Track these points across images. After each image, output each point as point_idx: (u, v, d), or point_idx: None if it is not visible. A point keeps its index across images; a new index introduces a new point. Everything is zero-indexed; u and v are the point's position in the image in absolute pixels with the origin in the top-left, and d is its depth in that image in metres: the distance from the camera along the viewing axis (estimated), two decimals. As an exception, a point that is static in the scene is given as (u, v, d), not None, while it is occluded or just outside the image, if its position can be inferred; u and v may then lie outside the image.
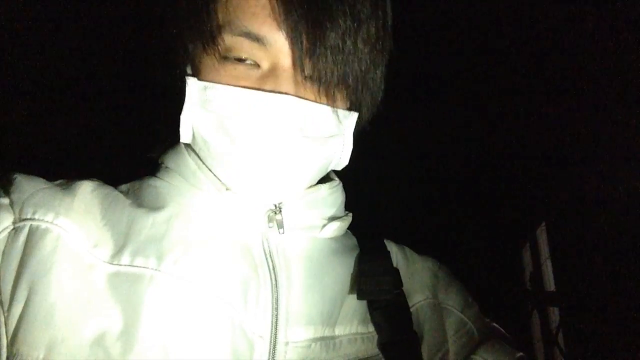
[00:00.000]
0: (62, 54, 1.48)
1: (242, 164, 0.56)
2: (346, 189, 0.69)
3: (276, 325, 0.56)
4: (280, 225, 0.60)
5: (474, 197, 2.97)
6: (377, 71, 0.61)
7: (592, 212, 2.14)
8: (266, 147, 0.55)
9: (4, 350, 0.50)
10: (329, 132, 0.59)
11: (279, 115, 0.53)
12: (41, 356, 0.48)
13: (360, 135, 0.65)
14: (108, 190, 0.61)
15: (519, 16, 1.89)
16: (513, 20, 1.92)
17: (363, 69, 0.58)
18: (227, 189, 0.59)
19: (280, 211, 0.60)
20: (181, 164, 0.62)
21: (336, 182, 0.67)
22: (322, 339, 0.58)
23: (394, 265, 0.70)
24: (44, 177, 0.60)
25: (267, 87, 0.54)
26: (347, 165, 0.65)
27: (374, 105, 0.65)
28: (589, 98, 1.96)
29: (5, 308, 0.51)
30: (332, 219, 0.66)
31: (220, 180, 0.60)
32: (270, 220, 0.60)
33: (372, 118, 0.66)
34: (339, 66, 0.55)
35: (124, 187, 0.64)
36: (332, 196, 0.66)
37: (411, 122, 2.42)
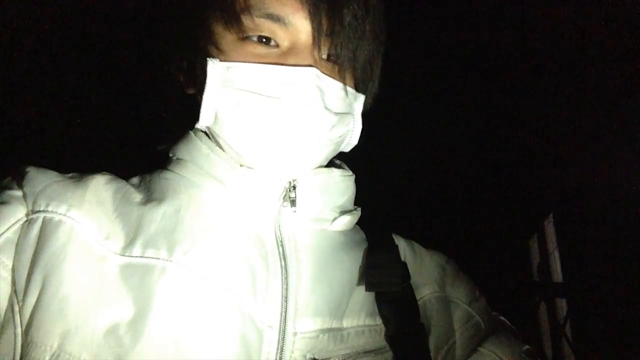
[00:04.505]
0: (69, 46, 1.48)
1: (266, 135, 0.58)
2: (356, 184, 0.70)
3: (285, 316, 0.56)
4: (293, 203, 0.61)
5: (482, 189, 2.96)
6: (379, 60, 0.66)
7: (600, 204, 2.13)
8: (291, 118, 0.57)
9: (19, 338, 0.51)
10: (343, 109, 0.62)
11: (303, 87, 0.56)
12: (55, 345, 0.49)
13: (370, 131, 0.66)
14: (120, 183, 0.62)
15: (524, 14, 1.88)
16: (518, 18, 1.91)
17: (371, 53, 0.63)
18: (241, 166, 0.60)
19: (295, 189, 0.61)
20: (193, 150, 0.63)
21: (349, 172, 0.68)
22: (329, 330, 0.59)
23: (402, 259, 0.71)
24: (56, 171, 0.60)
25: (290, 62, 0.57)
26: (358, 160, 0.66)
27: (375, 93, 0.69)
28: (594, 93, 1.95)
29: (20, 298, 0.51)
30: (343, 212, 0.67)
31: (240, 154, 0.60)
32: (284, 199, 0.61)
33: (370, 108, 0.70)
34: (352, 47, 0.60)
35: (135, 180, 0.65)
36: (344, 184, 0.66)
37: (419, 117, 2.42)
